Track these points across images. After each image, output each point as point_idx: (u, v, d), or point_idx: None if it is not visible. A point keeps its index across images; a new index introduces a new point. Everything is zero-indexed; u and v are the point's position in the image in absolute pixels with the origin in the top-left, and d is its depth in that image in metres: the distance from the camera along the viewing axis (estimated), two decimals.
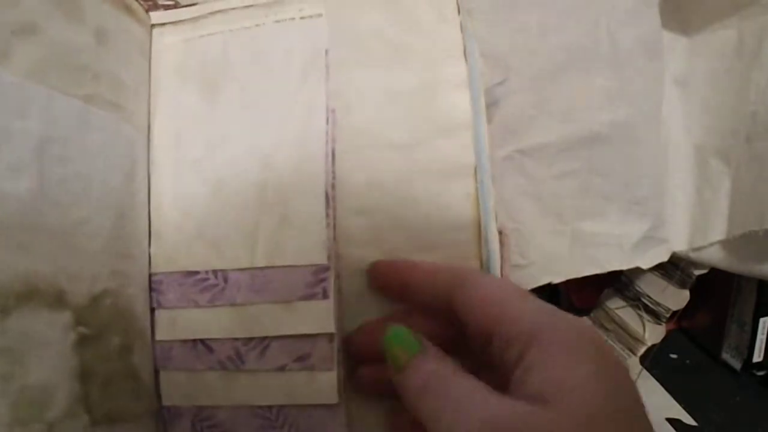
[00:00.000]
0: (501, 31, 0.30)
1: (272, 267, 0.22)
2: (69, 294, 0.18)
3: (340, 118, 0.23)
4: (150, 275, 0.23)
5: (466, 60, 0.23)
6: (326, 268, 0.21)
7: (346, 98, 0.23)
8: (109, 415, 0.19)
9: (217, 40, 0.24)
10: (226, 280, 0.22)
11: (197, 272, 0.22)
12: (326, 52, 0.23)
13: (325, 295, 0.21)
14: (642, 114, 0.32)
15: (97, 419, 0.18)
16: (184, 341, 0.22)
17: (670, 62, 0.34)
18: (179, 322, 0.22)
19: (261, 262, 0.22)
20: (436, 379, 0.17)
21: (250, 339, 0.22)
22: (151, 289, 0.23)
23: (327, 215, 0.22)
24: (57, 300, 0.18)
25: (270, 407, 0.22)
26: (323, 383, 0.21)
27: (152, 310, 0.23)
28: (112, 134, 0.21)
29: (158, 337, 0.23)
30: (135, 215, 0.22)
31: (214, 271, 0.22)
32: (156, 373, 0.23)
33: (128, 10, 0.23)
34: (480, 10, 0.25)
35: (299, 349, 0.21)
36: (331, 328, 0.21)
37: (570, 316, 0.17)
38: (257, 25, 0.24)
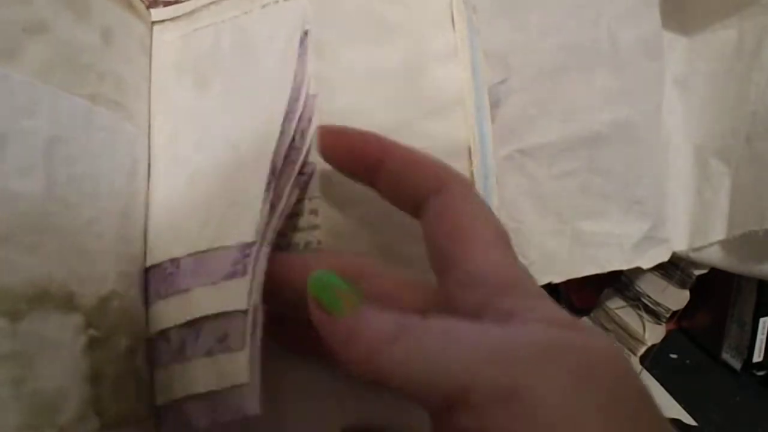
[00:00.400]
0: (501, 30, 0.30)
1: (212, 249, 0.21)
2: (79, 296, 0.18)
3: (325, 102, 0.22)
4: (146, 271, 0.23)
5: (454, 30, 0.22)
6: (251, 245, 0.20)
7: (330, 82, 0.22)
8: (119, 418, 0.19)
9: (209, 32, 0.24)
10: (178, 267, 0.22)
11: (162, 263, 0.22)
12: (306, 33, 0.22)
13: (244, 273, 0.20)
14: (642, 114, 0.32)
15: (107, 422, 0.18)
16: (156, 336, 0.22)
17: (670, 62, 0.34)
18: (153, 317, 0.22)
19: (203, 246, 0.21)
20: (410, 322, 0.14)
21: (191, 325, 0.21)
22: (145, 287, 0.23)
23: (267, 190, 0.20)
24: (67, 302, 0.17)
25: (217, 393, 0.20)
26: (238, 363, 0.20)
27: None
28: (115, 134, 0.21)
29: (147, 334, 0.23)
30: (136, 215, 0.22)
31: (171, 260, 0.22)
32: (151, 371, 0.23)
33: (131, 7, 0.23)
34: (480, 9, 0.25)
35: (219, 329, 0.20)
36: (242, 305, 0.20)
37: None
38: (245, 13, 0.24)
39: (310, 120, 0.22)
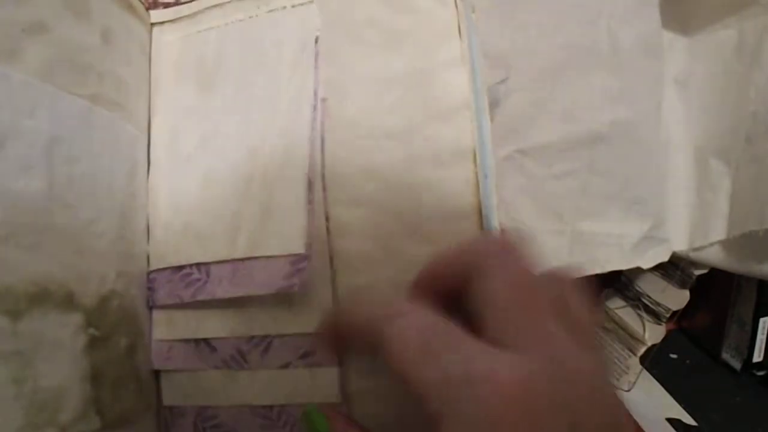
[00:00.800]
0: (501, 30, 0.30)
1: (252, 258, 0.21)
2: (79, 296, 0.18)
3: (335, 107, 0.22)
4: (147, 274, 0.23)
5: (461, 38, 0.22)
6: (304, 258, 0.20)
7: (340, 88, 0.23)
8: (119, 417, 0.19)
9: (213, 35, 0.24)
10: (208, 274, 0.22)
11: (183, 267, 0.22)
12: (317, 39, 0.23)
13: (301, 287, 0.20)
14: (642, 114, 0.32)
15: (108, 422, 0.18)
16: (186, 340, 0.22)
17: (670, 62, 0.34)
18: (177, 322, 0.22)
19: (240, 254, 0.21)
20: None
21: (252, 337, 0.21)
22: (147, 288, 0.23)
23: (309, 202, 0.21)
24: (67, 302, 0.18)
25: (271, 407, 0.21)
26: (325, 380, 0.21)
27: (150, 309, 0.23)
28: (114, 134, 0.21)
29: (156, 336, 0.23)
30: (136, 215, 0.22)
31: (198, 265, 0.22)
32: (156, 372, 0.23)
33: (131, 8, 0.23)
34: (480, 9, 0.25)
35: (302, 346, 0.21)
36: (314, 324, 0.20)
37: (478, 388, 0.13)
38: (251, 17, 0.24)
39: (321, 123, 0.22)
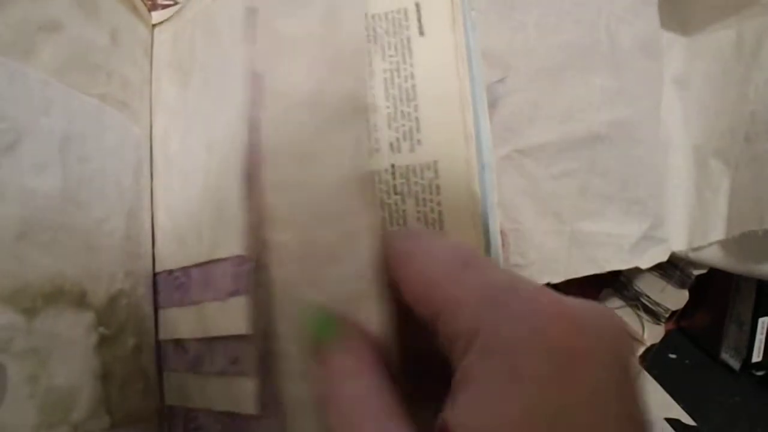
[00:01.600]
0: (500, 29, 0.31)
1: (211, 261, 0.20)
2: (90, 294, 0.18)
3: (268, 81, 0.20)
4: (154, 275, 0.23)
5: None
6: (245, 260, 0.19)
7: (272, 58, 0.20)
8: (128, 416, 0.19)
9: (189, 27, 0.24)
10: (189, 277, 0.21)
11: (173, 271, 0.22)
12: (253, 10, 0.20)
13: (245, 291, 0.18)
14: (641, 114, 0.32)
15: (117, 420, 0.18)
16: (173, 341, 0.22)
17: (669, 62, 0.34)
18: (165, 322, 0.22)
19: (204, 257, 0.20)
20: (344, 394, 0.13)
21: (209, 339, 0.20)
22: (154, 290, 0.23)
23: (246, 197, 0.18)
24: (80, 300, 0.18)
25: (229, 413, 0.20)
26: (246, 389, 0.19)
27: (155, 310, 0.23)
28: (122, 134, 0.21)
29: (159, 336, 0.23)
30: (141, 215, 0.23)
31: (182, 269, 0.22)
32: (159, 372, 0.23)
33: (135, 9, 0.23)
34: (478, 9, 0.25)
35: (233, 351, 0.20)
36: (242, 329, 0.18)
37: (529, 302, 0.11)
38: (214, 1, 0.23)
39: (255, 104, 0.19)
